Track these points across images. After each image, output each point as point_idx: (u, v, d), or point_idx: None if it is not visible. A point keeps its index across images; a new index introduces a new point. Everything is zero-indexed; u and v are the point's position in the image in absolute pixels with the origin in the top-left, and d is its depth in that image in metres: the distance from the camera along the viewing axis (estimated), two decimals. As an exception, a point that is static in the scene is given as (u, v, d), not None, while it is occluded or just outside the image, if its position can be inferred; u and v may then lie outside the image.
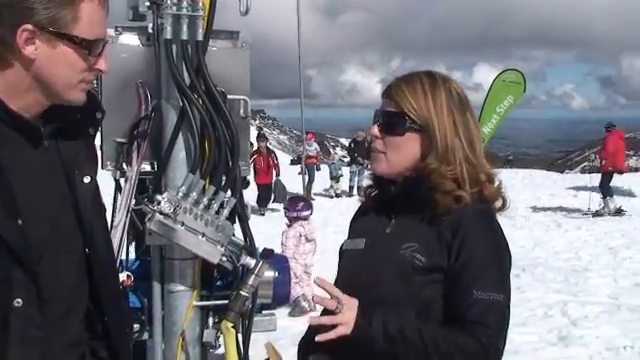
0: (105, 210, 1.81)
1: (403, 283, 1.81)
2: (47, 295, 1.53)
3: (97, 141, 2.23)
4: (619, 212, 14.35)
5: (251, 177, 15.82)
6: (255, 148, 15.98)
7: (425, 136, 1.90)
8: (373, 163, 1.99)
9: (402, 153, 1.92)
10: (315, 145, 21.22)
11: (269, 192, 15.94)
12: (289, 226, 7.75)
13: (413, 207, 1.89)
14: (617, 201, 15.02)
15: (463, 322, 1.74)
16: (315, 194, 18.23)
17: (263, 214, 15.37)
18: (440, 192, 1.83)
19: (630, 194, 16.73)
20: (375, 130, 1.95)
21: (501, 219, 1.95)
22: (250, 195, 15.43)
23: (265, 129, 52.81)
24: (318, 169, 19.81)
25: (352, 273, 1.97)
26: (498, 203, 1.93)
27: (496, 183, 1.94)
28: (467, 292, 1.75)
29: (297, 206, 7.70)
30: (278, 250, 2.31)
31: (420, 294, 1.80)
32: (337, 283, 2.05)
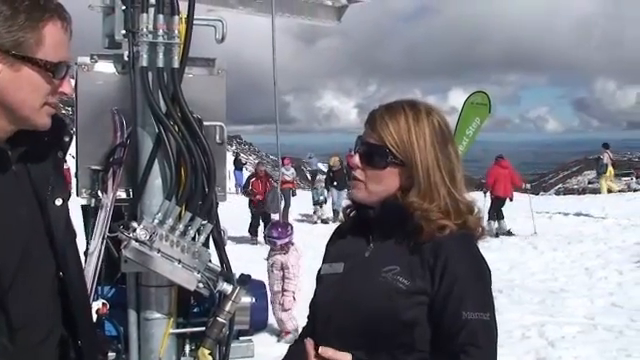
0: (76, 235, 1.79)
1: (387, 306, 1.80)
2: (18, 323, 1.51)
3: (72, 169, 2.22)
4: (503, 234, 15.06)
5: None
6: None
7: (406, 170, 1.88)
8: (353, 189, 1.97)
9: (382, 185, 1.91)
10: (292, 170, 21.21)
11: (265, 218, 15.71)
12: (276, 253, 7.85)
13: (393, 231, 1.89)
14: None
15: (454, 344, 1.74)
16: (295, 220, 18.14)
17: (255, 243, 14.99)
18: (425, 220, 1.83)
19: (603, 216, 16.93)
20: (356, 160, 1.94)
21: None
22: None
23: (242, 155, 52.62)
24: (294, 194, 19.75)
25: (333, 297, 1.95)
26: (478, 231, 1.93)
27: (475, 212, 1.93)
28: (456, 314, 1.75)
29: (288, 231, 7.96)
30: (260, 277, 2.30)
31: (404, 317, 1.79)
32: (316, 308, 2.04)
